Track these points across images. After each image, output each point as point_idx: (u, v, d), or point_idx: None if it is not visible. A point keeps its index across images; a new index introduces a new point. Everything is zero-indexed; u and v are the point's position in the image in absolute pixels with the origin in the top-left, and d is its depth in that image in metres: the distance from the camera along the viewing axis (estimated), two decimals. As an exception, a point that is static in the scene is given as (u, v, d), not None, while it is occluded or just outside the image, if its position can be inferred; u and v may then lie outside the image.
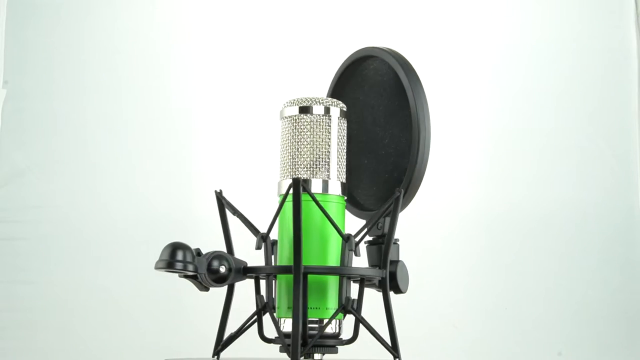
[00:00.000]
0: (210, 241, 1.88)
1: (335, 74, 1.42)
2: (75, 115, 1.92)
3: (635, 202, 2.05)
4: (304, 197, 1.23)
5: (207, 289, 1.26)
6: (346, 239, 1.24)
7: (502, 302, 2.00)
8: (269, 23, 1.99)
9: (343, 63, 1.41)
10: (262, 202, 1.49)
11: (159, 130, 1.94)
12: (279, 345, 1.28)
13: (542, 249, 2.01)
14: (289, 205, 1.23)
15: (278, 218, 1.27)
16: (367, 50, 1.40)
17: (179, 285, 1.88)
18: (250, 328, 1.30)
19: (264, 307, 1.25)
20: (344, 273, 1.25)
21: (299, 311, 1.19)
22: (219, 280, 1.23)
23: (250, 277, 1.27)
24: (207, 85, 1.97)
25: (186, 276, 1.23)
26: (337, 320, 1.26)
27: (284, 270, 1.24)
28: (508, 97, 2.04)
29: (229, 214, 1.32)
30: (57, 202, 1.89)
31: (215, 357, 1.30)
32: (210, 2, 1.98)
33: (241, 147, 1.95)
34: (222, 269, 1.24)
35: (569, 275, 2.01)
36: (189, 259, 1.20)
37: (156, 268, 1.20)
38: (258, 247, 1.25)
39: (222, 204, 1.30)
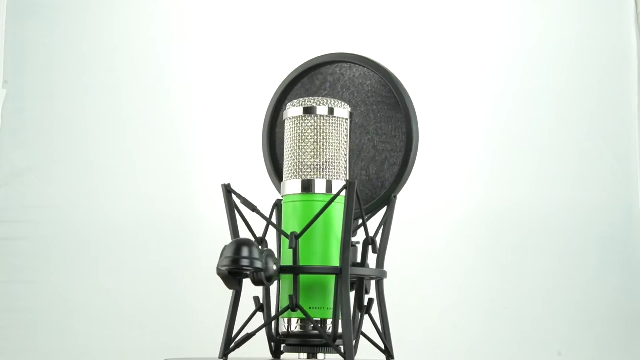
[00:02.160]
0: (211, 241, 1.89)
1: (289, 76, 1.43)
2: (75, 115, 1.92)
3: (635, 202, 2.05)
4: (308, 198, 1.24)
5: (240, 288, 1.23)
6: (371, 241, 1.25)
7: (501, 302, 2.00)
8: (269, 22, 1.99)
9: (303, 65, 1.42)
10: (263, 202, 1.49)
11: (159, 130, 1.93)
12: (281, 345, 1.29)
13: (542, 249, 2.01)
14: (299, 205, 1.24)
15: (284, 218, 1.27)
16: (338, 56, 1.40)
17: (180, 285, 1.90)
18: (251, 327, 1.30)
19: (295, 306, 1.23)
20: (372, 275, 1.27)
21: (350, 312, 1.21)
22: (269, 279, 1.20)
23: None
24: (208, 84, 1.97)
25: (230, 272, 1.19)
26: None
27: (331, 270, 1.24)
28: (508, 97, 2.04)
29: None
30: (57, 202, 1.89)
31: (223, 357, 1.29)
32: (211, 1, 1.98)
33: (242, 146, 1.95)
34: (275, 267, 1.21)
35: (569, 275, 2.01)
36: (255, 255, 1.17)
37: (221, 266, 1.17)
38: (291, 247, 1.23)
39: (231, 198, 1.29)
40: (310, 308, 1.24)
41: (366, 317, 1.30)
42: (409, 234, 1.93)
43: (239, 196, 1.27)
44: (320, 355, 1.26)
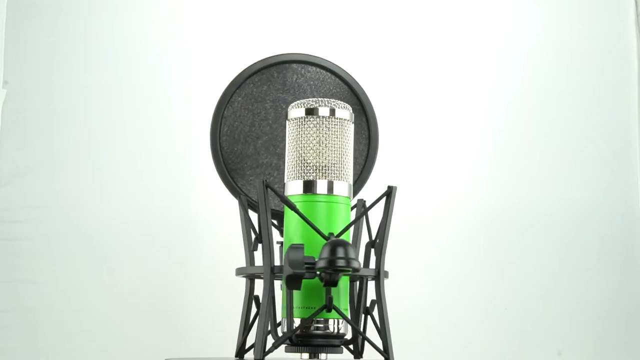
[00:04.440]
0: (212, 240, 1.89)
1: (248, 69, 1.45)
2: (75, 115, 1.91)
3: (635, 202, 2.06)
4: (309, 198, 1.24)
5: (300, 288, 1.23)
6: (373, 244, 1.26)
7: (502, 302, 2.00)
8: (269, 22, 1.99)
9: (260, 62, 1.44)
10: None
11: (159, 130, 1.93)
12: (284, 345, 1.29)
13: (542, 249, 2.01)
14: (300, 205, 1.24)
15: (285, 220, 1.27)
16: (295, 55, 1.43)
17: (181, 285, 1.90)
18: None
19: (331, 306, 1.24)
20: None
21: (387, 313, 1.25)
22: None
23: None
24: (208, 84, 1.96)
25: (309, 270, 1.19)
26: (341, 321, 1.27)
27: (368, 273, 1.27)
28: (508, 97, 2.04)
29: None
30: (57, 202, 1.88)
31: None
32: (211, 2, 1.98)
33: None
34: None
35: (569, 275, 2.02)
36: (352, 255, 1.17)
37: (317, 268, 1.17)
38: None
39: (267, 194, 1.27)
40: (314, 308, 1.25)
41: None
42: (409, 234, 1.93)
43: (277, 193, 1.26)
44: (322, 355, 1.27)
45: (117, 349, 1.87)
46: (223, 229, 1.86)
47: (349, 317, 1.29)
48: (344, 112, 1.27)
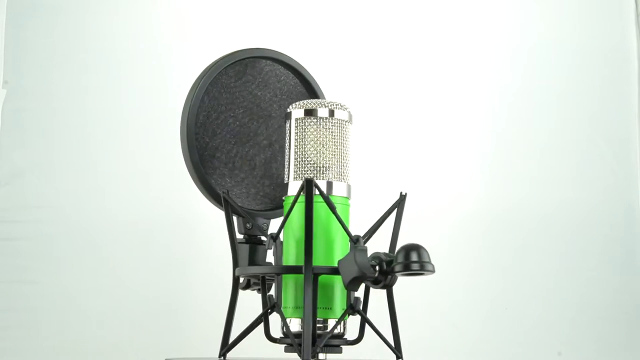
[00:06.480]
0: (212, 241, 1.89)
1: (224, 62, 1.45)
2: (75, 115, 1.91)
3: (635, 202, 2.06)
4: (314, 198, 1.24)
5: (357, 289, 1.22)
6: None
7: (502, 302, 2.00)
8: (269, 21, 1.99)
9: (238, 53, 1.47)
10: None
11: (160, 130, 1.93)
12: (283, 345, 1.29)
13: (542, 249, 2.01)
14: (300, 205, 1.24)
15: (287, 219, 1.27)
16: (258, 51, 1.46)
17: (181, 285, 1.90)
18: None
19: (355, 309, 1.25)
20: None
21: (396, 314, 1.24)
22: None
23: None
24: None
25: (369, 275, 1.19)
26: (342, 321, 1.27)
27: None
28: (508, 97, 2.04)
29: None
30: (57, 202, 1.88)
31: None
32: (211, 1, 1.98)
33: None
34: None
35: (569, 275, 2.02)
36: (425, 258, 1.16)
37: (394, 272, 1.17)
38: (360, 249, 1.23)
39: (311, 192, 1.24)
40: (328, 308, 1.25)
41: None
42: (409, 235, 1.93)
43: (320, 191, 1.25)
44: (321, 355, 1.27)
45: (117, 348, 1.87)
46: (223, 228, 1.86)
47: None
48: (343, 113, 1.28)
